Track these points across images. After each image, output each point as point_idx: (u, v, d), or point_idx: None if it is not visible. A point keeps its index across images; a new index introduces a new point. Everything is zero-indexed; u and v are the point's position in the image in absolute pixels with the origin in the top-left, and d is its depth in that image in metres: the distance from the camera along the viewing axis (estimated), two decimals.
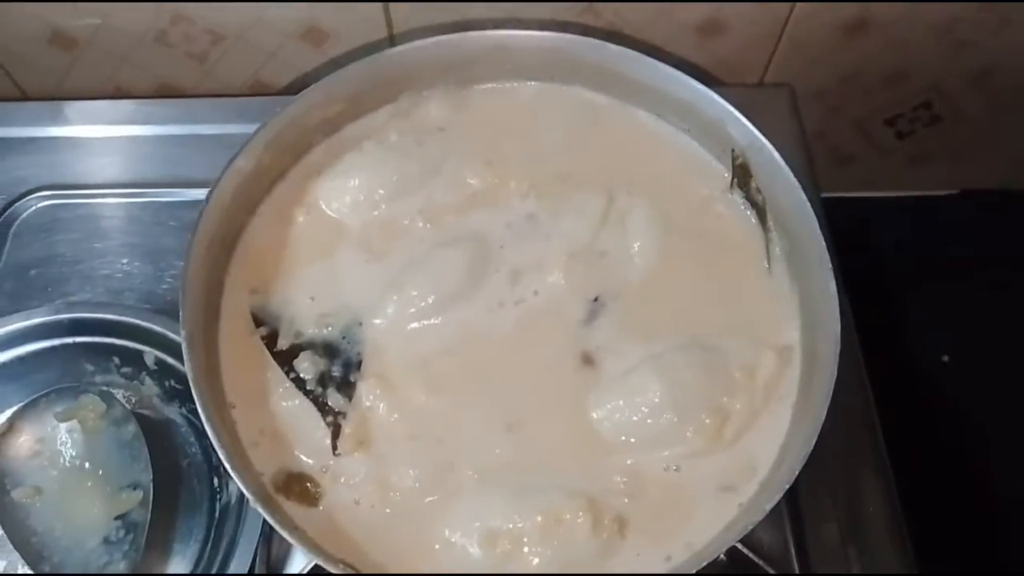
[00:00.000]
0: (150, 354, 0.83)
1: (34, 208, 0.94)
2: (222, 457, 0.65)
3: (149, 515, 0.74)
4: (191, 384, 0.67)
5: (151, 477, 0.75)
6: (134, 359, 0.81)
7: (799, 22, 0.95)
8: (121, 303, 0.86)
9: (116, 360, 0.82)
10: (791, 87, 1.04)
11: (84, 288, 0.89)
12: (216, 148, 0.83)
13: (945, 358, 1.08)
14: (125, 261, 0.93)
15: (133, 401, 0.85)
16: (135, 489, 0.76)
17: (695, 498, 0.71)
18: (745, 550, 0.73)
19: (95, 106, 0.98)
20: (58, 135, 0.97)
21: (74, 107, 0.98)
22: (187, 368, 0.68)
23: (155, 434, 0.83)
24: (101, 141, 0.97)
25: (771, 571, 0.75)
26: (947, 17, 0.92)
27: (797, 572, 0.78)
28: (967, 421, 1.02)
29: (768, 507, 0.64)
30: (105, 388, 0.82)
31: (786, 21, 0.95)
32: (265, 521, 0.72)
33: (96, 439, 0.78)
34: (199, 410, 0.67)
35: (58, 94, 0.99)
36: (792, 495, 0.79)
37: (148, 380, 0.84)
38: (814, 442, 0.66)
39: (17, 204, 0.93)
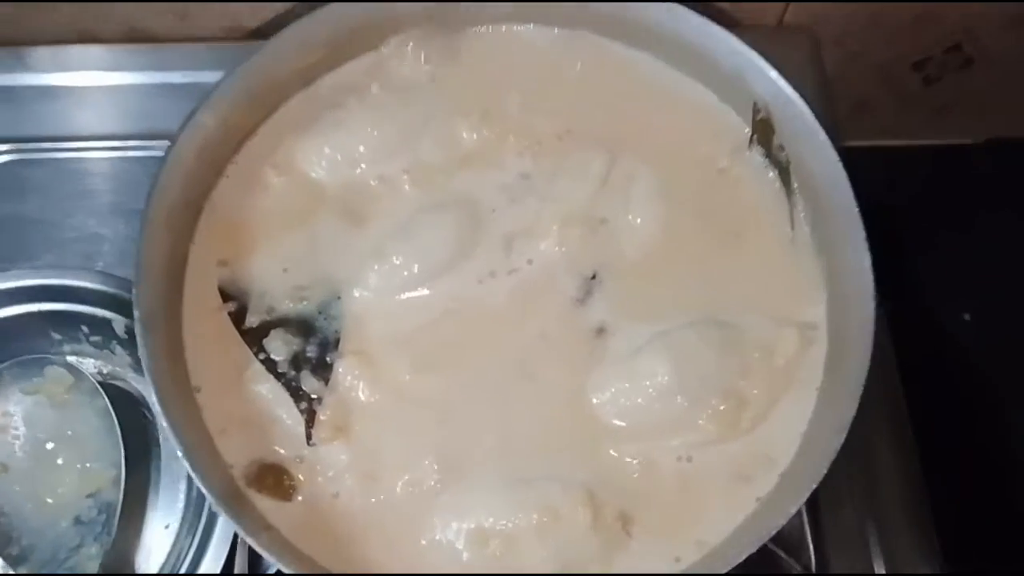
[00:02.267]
0: (119, 322, 0.77)
1: None
2: (181, 454, 0.58)
3: (122, 494, 0.71)
4: (146, 371, 0.61)
5: (123, 453, 0.72)
6: (103, 327, 0.77)
7: None
8: (89, 267, 0.81)
9: (85, 329, 0.78)
10: (811, 32, 0.95)
11: (51, 252, 0.84)
12: (194, 98, 0.75)
13: (966, 316, 1.02)
14: (94, 222, 0.87)
15: (104, 372, 0.81)
16: (107, 465, 0.73)
17: (707, 491, 0.65)
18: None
19: (61, 51, 0.90)
20: (20, 83, 0.90)
21: (37, 53, 0.90)
22: (142, 354, 0.61)
23: (127, 407, 0.78)
24: (68, 90, 0.89)
25: (784, 556, 0.70)
26: None
27: (812, 556, 0.73)
28: (988, 380, 0.97)
29: (793, 509, 0.58)
30: (73, 359, 0.79)
31: None
32: None
33: (65, 413, 0.75)
34: (156, 400, 0.60)
35: (16, 39, 0.92)
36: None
37: (119, 349, 0.80)
38: (844, 435, 0.59)
39: None
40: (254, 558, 0.71)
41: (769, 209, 0.74)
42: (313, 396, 0.67)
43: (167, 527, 0.76)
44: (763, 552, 0.62)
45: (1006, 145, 1.12)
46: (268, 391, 0.67)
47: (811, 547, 0.73)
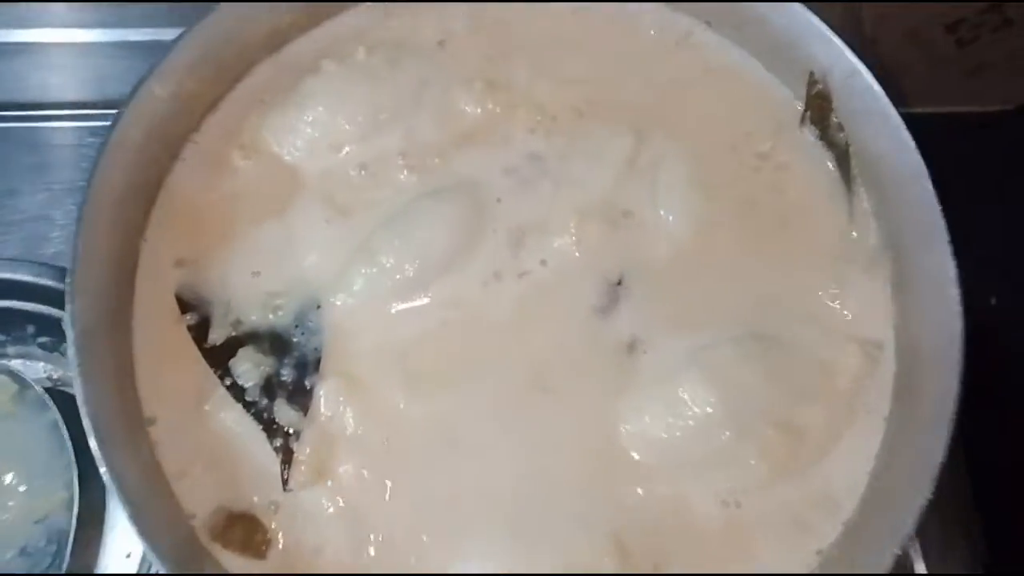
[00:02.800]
0: None
1: None
2: (126, 513, 0.48)
3: (75, 519, 0.64)
4: (80, 403, 0.51)
5: (76, 473, 0.65)
6: (53, 327, 0.71)
7: None
8: (35, 259, 0.73)
9: (31, 328, 0.72)
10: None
11: None
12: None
13: (993, 300, 0.94)
14: (43, 200, 0.78)
15: (54, 377, 0.74)
16: (58, 487, 0.67)
17: (758, 541, 0.56)
18: None
19: (19, 8, 0.80)
20: None
21: None
22: (76, 381, 0.52)
23: (80, 421, 0.67)
24: (28, 48, 0.81)
25: None
26: None
27: None
28: (1017, 366, 0.87)
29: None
30: (19, 363, 0.72)
31: None
32: None
33: (10, 424, 0.69)
34: (93, 441, 0.50)
35: None
36: None
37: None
38: (933, 485, 0.49)
39: None
40: None
41: (823, 200, 0.65)
42: (289, 430, 0.58)
43: (128, 556, 0.69)
44: None
45: None
46: (236, 424, 0.59)
47: None
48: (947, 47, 0.97)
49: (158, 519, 0.51)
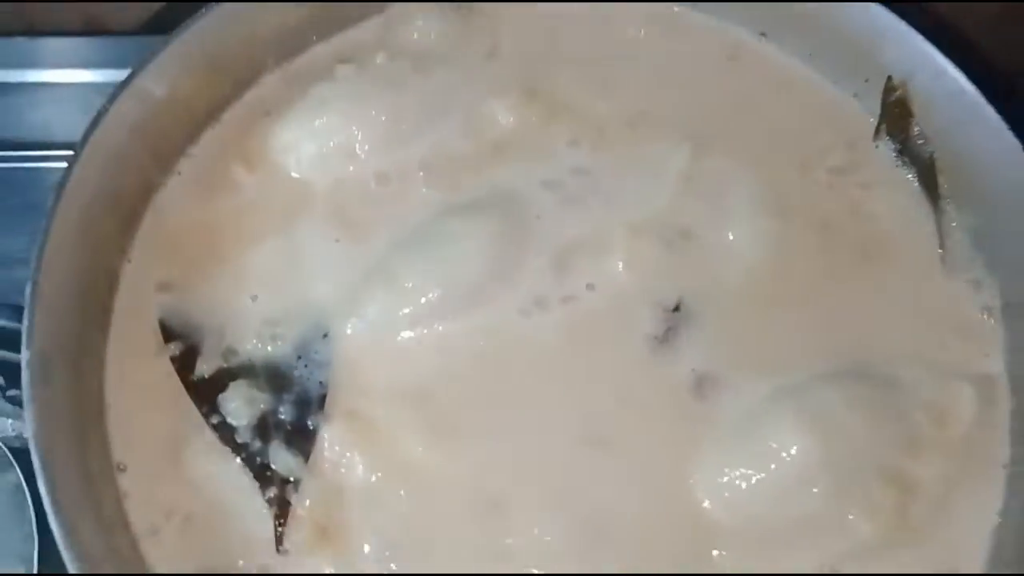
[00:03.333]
0: None
1: None
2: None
3: None
4: (30, 442, 0.44)
5: (36, 549, 0.59)
6: None
7: None
8: (9, 301, 0.67)
9: (0, 380, 0.65)
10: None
11: None
12: None
13: None
14: (23, 243, 0.67)
15: (25, 437, 0.63)
16: (14, 564, 0.60)
17: None
18: None
19: (5, 44, 0.78)
20: None
21: None
22: (27, 414, 0.44)
23: None
24: (12, 88, 0.77)
25: None
26: None
27: None
28: None
29: None
30: None
31: None
32: None
33: None
34: (40, 487, 0.42)
35: None
36: None
37: None
38: None
39: None
40: None
41: (909, 223, 0.59)
42: (287, 479, 0.51)
43: None
44: None
45: None
46: (221, 471, 0.51)
47: None
48: None
49: None
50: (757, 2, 0.63)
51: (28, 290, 0.47)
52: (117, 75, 0.74)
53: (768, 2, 0.63)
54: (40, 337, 0.46)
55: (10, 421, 0.65)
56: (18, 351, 0.62)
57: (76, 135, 0.73)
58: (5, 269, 0.70)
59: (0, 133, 0.76)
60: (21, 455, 0.61)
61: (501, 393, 0.54)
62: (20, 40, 0.78)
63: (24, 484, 0.60)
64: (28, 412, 0.44)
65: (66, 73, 0.79)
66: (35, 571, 0.60)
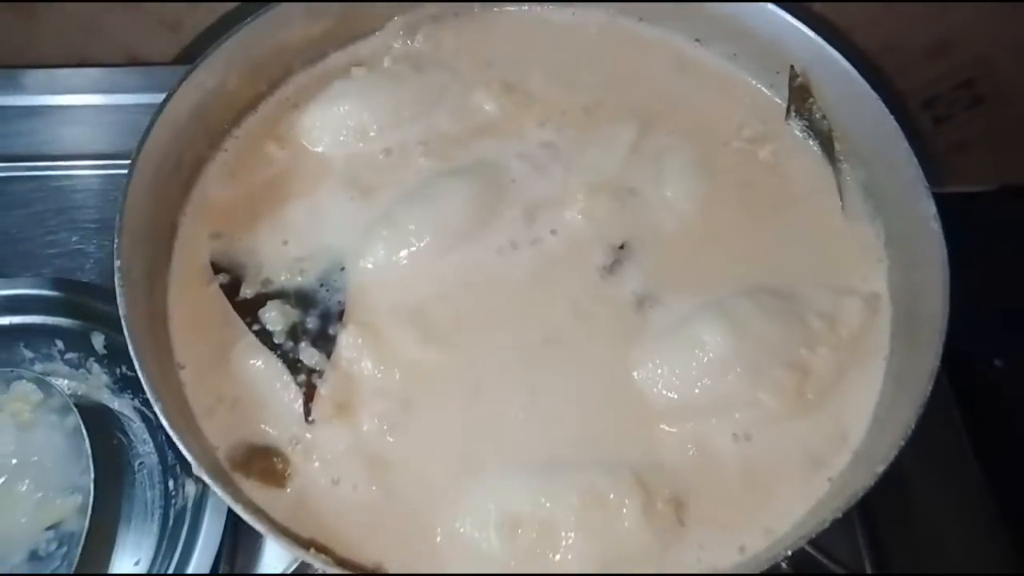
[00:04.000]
0: (99, 335, 0.72)
1: None
2: (162, 420, 0.50)
3: (87, 524, 0.64)
4: (123, 322, 0.53)
5: (92, 479, 0.66)
6: (80, 342, 0.73)
7: None
8: (66, 276, 0.78)
9: (59, 344, 0.73)
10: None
11: (30, 268, 0.80)
12: None
13: (998, 362, 0.95)
14: (77, 239, 0.83)
15: (79, 393, 0.75)
16: (72, 494, 0.67)
17: (772, 473, 0.57)
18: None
19: (56, 74, 0.88)
20: (13, 104, 0.87)
21: (32, 75, 0.88)
22: (121, 309, 0.54)
23: (101, 429, 0.72)
24: (62, 110, 0.87)
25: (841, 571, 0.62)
26: None
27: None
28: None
29: (881, 469, 0.49)
30: (43, 375, 0.72)
31: None
32: (226, 528, 0.63)
33: (30, 434, 0.69)
34: (133, 359, 0.53)
35: (14, 64, 0.89)
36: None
37: (96, 367, 0.74)
38: (928, 390, 0.52)
39: None
40: None
41: (815, 180, 0.70)
42: (314, 369, 0.60)
43: (137, 563, 0.68)
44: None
45: (1020, 192, 1.09)
46: (262, 364, 0.60)
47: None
48: (926, 125, 1.03)
49: (183, 438, 0.52)
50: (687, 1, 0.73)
51: (117, 223, 0.57)
52: (152, 98, 0.84)
53: (697, 11, 0.73)
54: (123, 257, 0.56)
55: (66, 381, 0.74)
56: (75, 318, 0.72)
57: (117, 148, 0.82)
58: (63, 257, 0.81)
59: (54, 148, 0.86)
60: (80, 405, 0.69)
61: (480, 310, 0.62)
62: (71, 71, 0.88)
63: (83, 427, 0.68)
64: (122, 308, 0.54)
65: (110, 97, 0.88)
66: (91, 498, 0.66)
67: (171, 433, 0.51)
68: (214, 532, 0.64)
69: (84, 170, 0.86)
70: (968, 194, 1.08)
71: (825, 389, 0.59)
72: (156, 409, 0.52)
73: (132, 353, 0.53)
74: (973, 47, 0.90)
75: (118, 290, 0.55)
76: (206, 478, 0.49)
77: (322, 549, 0.51)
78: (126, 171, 0.80)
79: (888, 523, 0.69)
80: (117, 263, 0.55)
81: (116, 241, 0.56)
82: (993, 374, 0.95)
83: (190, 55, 0.87)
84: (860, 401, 0.59)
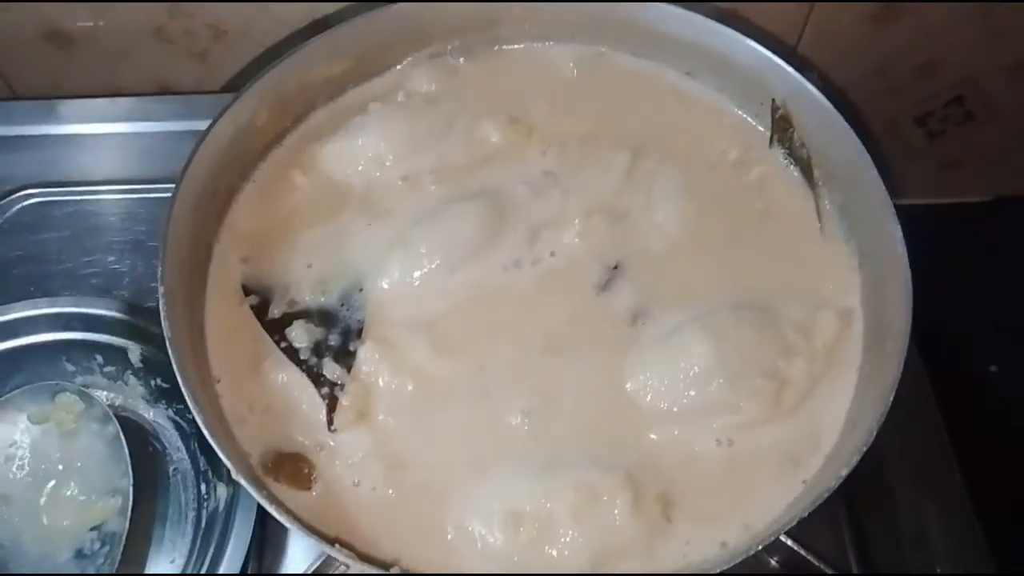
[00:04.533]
0: (135, 350, 0.77)
1: (21, 206, 0.89)
2: (203, 428, 0.56)
3: (127, 525, 0.69)
4: (168, 343, 0.59)
5: (131, 483, 0.70)
6: (118, 357, 0.77)
7: (824, 10, 0.88)
8: (107, 294, 0.82)
9: (99, 358, 0.78)
10: (824, 75, 0.97)
11: (69, 287, 0.84)
12: None
13: (993, 368, 0.99)
14: (113, 259, 0.87)
15: (116, 403, 0.80)
16: (113, 496, 0.72)
17: (752, 475, 0.62)
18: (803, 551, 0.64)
19: (90, 103, 0.93)
20: (50, 133, 0.92)
21: (68, 105, 0.93)
22: (164, 327, 0.60)
23: (138, 437, 0.77)
24: (96, 138, 0.92)
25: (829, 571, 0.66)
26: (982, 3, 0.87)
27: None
28: (1021, 432, 0.93)
29: (844, 473, 0.55)
30: (84, 387, 0.76)
31: (810, 10, 0.88)
32: (255, 529, 0.67)
33: (73, 442, 0.74)
34: (176, 374, 0.58)
35: (50, 95, 0.94)
36: (849, 499, 0.72)
37: (132, 379, 0.79)
38: (891, 397, 0.57)
39: (2, 203, 0.88)
40: None
41: (795, 203, 0.74)
42: (336, 382, 0.65)
43: (172, 562, 0.73)
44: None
45: (1014, 202, 1.12)
46: (288, 378, 0.66)
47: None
48: (920, 140, 1.08)
49: (222, 445, 0.58)
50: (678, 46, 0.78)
51: (160, 250, 0.63)
52: (182, 126, 0.90)
53: (687, 46, 0.77)
54: (166, 281, 0.62)
55: (104, 393, 0.79)
56: (113, 334, 0.77)
57: (148, 174, 0.88)
58: (101, 278, 0.85)
59: (89, 175, 0.91)
60: (118, 415, 0.74)
61: (486, 324, 0.67)
62: (104, 101, 0.93)
63: (121, 435, 0.72)
64: (166, 326, 0.60)
65: (141, 125, 0.92)
66: (130, 501, 0.71)
67: (211, 441, 0.57)
68: (244, 532, 0.68)
69: (117, 194, 0.90)
70: (964, 205, 1.13)
71: (801, 396, 0.64)
72: (198, 419, 0.57)
73: (176, 368, 0.59)
74: (960, 67, 0.95)
75: (162, 312, 0.60)
76: (243, 482, 0.55)
77: (346, 545, 0.57)
78: (157, 194, 0.88)
79: (874, 524, 0.73)
80: (161, 289, 0.61)
81: (160, 268, 0.62)
82: (988, 380, 0.99)
83: (215, 84, 0.93)
84: (834, 407, 0.64)
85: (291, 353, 0.66)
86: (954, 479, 0.75)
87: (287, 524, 0.55)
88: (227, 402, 0.64)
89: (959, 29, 0.90)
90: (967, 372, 0.98)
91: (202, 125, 0.91)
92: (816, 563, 0.67)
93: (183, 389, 0.58)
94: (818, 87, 0.73)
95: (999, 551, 0.73)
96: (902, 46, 0.91)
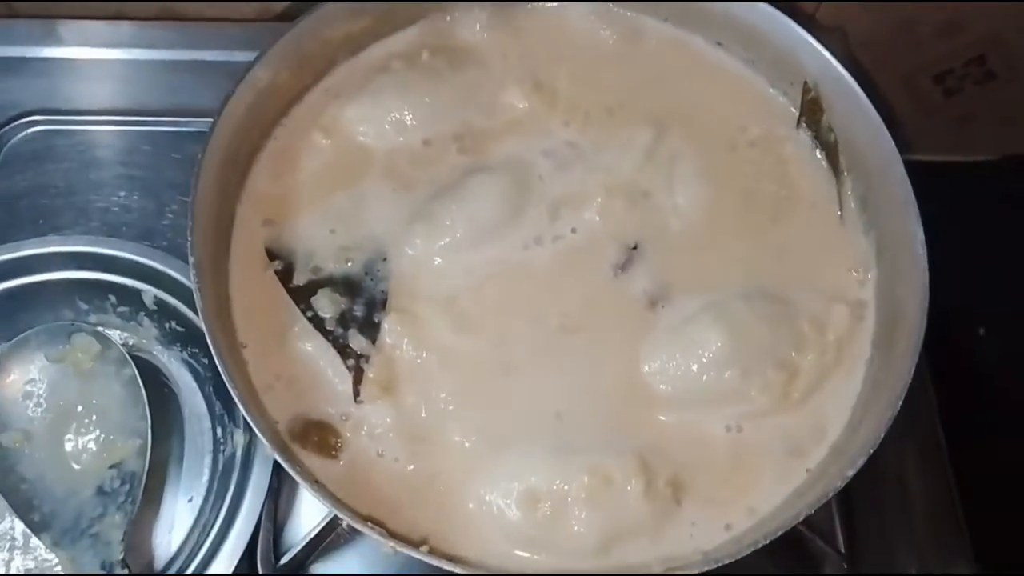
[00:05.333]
0: (149, 293, 0.77)
1: (24, 134, 0.88)
2: (234, 396, 0.57)
3: (146, 465, 0.70)
4: (200, 314, 0.60)
5: (149, 425, 0.71)
6: (132, 298, 0.77)
7: None
8: (118, 237, 0.80)
9: (112, 298, 0.78)
10: (844, 31, 0.96)
11: (78, 221, 0.83)
12: (221, 76, 0.77)
13: (981, 331, 1.01)
14: (123, 194, 0.87)
15: (130, 343, 0.80)
16: (131, 437, 0.72)
17: (759, 462, 0.65)
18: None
19: (92, 27, 0.91)
20: (52, 56, 0.90)
21: (69, 27, 0.90)
22: (196, 298, 0.61)
23: (153, 379, 0.77)
24: (98, 64, 0.90)
25: (821, 544, 0.70)
26: None
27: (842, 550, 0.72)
28: (1004, 395, 0.96)
29: (850, 473, 0.57)
30: (100, 328, 0.77)
31: None
32: (272, 475, 0.68)
33: (90, 382, 0.74)
34: (209, 345, 0.59)
35: (52, 14, 0.91)
36: None
37: (147, 321, 0.79)
38: (900, 403, 0.59)
39: (5, 129, 0.87)
40: (278, 535, 0.71)
41: (817, 189, 0.75)
42: (361, 354, 0.66)
43: (190, 500, 0.75)
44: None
45: (1022, 161, 1.13)
46: (315, 348, 0.66)
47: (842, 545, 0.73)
48: (936, 97, 1.07)
49: (254, 416, 0.60)
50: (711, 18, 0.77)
51: (189, 221, 0.62)
52: (187, 55, 0.88)
53: (720, 19, 0.77)
54: (196, 251, 0.62)
55: (118, 332, 0.79)
56: (127, 276, 0.76)
57: (156, 104, 0.86)
58: (109, 214, 0.84)
59: (93, 103, 0.89)
60: (133, 355, 0.75)
61: (506, 300, 0.68)
62: (106, 24, 0.90)
63: (138, 376, 0.73)
64: (198, 298, 0.60)
65: (147, 52, 0.90)
66: (149, 441, 0.72)
67: (244, 412, 0.58)
68: (262, 479, 0.70)
69: (122, 126, 0.89)
70: (969, 163, 1.13)
71: (810, 388, 0.66)
72: (231, 391, 0.59)
73: (208, 339, 0.60)
74: (984, 26, 0.94)
75: (193, 285, 0.61)
76: (276, 455, 0.57)
77: (377, 523, 0.59)
78: (163, 128, 0.87)
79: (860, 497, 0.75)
80: (192, 259, 0.62)
81: (189, 240, 0.62)
82: (976, 342, 1.02)
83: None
84: (840, 400, 0.66)
85: (317, 323, 0.67)
86: (937, 438, 0.79)
87: (320, 500, 0.57)
88: (254, 369, 0.65)
89: None
90: (955, 334, 1.01)
91: (207, 55, 0.92)
92: (806, 533, 0.71)
93: (216, 360, 0.59)
94: (841, 46, 0.73)
95: (972, 521, 0.77)
96: (927, 3, 0.90)
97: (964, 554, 0.75)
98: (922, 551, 0.75)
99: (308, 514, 0.73)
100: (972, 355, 1.00)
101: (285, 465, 0.57)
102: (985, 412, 0.94)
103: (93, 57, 0.91)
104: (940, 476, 0.78)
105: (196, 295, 0.60)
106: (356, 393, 0.65)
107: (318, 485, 0.59)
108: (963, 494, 0.78)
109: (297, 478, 0.57)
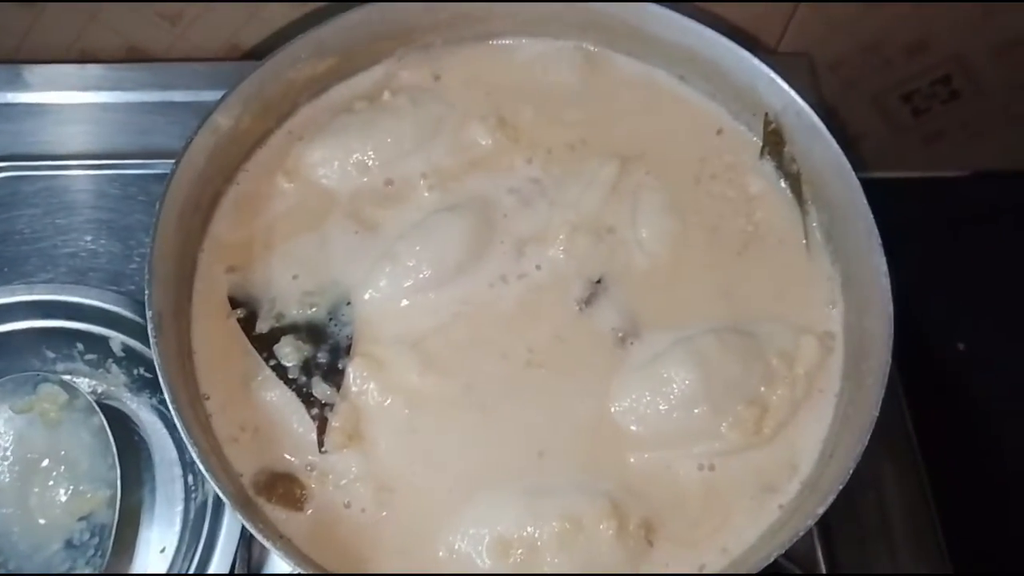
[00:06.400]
0: (116, 340, 0.76)
1: None
2: (194, 455, 0.56)
3: (116, 516, 0.69)
4: (158, 370, 0.59)
5: (118, 474, 0.70)
6: (99, 345, 0.76)
7: None
8: (85, 283, 0.80)
9: (80, 346, 0.77)
10: (810, 57, 0.97)
11: (45, 268, 0.83)
12: (189, 116, 0.76)
13: (961, 346, 1.02)
14: (90, 239, 0.86)
15: (99, 391, 0.79)
16: (101, 488, 0.72)
17: (731, 499, 0.64)
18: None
19: (58, 70, 0.90)
20: (17, 101, 0.89)
21: (35, 71, 0.90)
22: (154, 353, 0.60)
23: (123, 427, 0.76)
24: (65, 108, 0.89)
25: (797, 571, 0.69)
26: None
27: (824, 572, 0.73)
28: (984, 410, 0.98)
29: (820, 511, 0.57)
30: (67, 377, 0.76)
31: None
32: (244, 526, 0.65)
33: (57, 433, 0.73)
34: (168, 400, 0.58)
35: (17, 58, 0.91)
36: None
37: (115, 368, 0.78)
38: (868, 437, 0.59)
39: None
40: None
41: (783, 220, 0.75)
42: (325, 402, 0.65)
43: (162, 551, 0.74)
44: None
45: (992, 177, 1.14)
46: (278, 398, 0.66)
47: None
48: (905, 115, 1.08)
49: (213, 473, 0.59)
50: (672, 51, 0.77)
51: (147, 272, 0.61)
52: (153, 96, 0.87)
53: (681, 53, 0.77)
54: (155, 304, 0.61)
55: (87, 380, 0.78)
56: (94, 323, 0.75)
57: (122, 147, 0.85)
58: (76, 259, 0.83)
59: (58, 148, 0.87)
60: (102, 404, 0.74)
61: (472, 339, 0.67)
62: (73, 68, 0.89)
63: (106, 425, 0.71)
64: (155, 353, 0.59)
65: (113, 95, 0.89)
66: (119, 491, 0.70)
67: (203, 470, 0.57)
68: (235, 526, 0.69)
69: (89, 170, 0.88)
70: (939, 179, 1.15)
71: (781, 423, 0.66)
72: (189, 447, 0.58)
73: (165, 390, 0.59)
74: (950, 46, 0.96)
75: (151, 337, 0.60)
76: (238, 513, 0.56)
77: None
78: (131, 171, 0.87)
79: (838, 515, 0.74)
80: (149, 313, 0.61)
81: (147, 291, 0.61)
82: (955, 357, 1.02)
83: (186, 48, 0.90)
84: (811, 435, 0.66)
85: (280, 372, 0.66)
86: (913, 454, 0.79)
87: (283, 558, 0.56)
88: (218, 421, 0.64)
89: (951, 8, 0.91)
90: (934, 348, 1.02)
91: (175, 96, 0.92)
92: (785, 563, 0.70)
93: (173, 411, 0.58)
94: (806, 73, 0.74)
95: (951, 535, 0.77)
96: (895, 21, 0.92)
97: (943, 567, 0.75)
98: (901, 565, 0.75)
99: (282, 563, 0.72)
100: (951, 369, 1.00)
101: (246, 523, 0.56)
102: (963, 427, 0.95)
103: (59, 101, 0.90)
104: (917, 490, 0.78)
105: (154, 349, 0.59)
106: (320, 443, 0.64)
107: (282, 541, 0.58)
108: (940, 507, 0.78)
109: (259, 536, 0.56)
